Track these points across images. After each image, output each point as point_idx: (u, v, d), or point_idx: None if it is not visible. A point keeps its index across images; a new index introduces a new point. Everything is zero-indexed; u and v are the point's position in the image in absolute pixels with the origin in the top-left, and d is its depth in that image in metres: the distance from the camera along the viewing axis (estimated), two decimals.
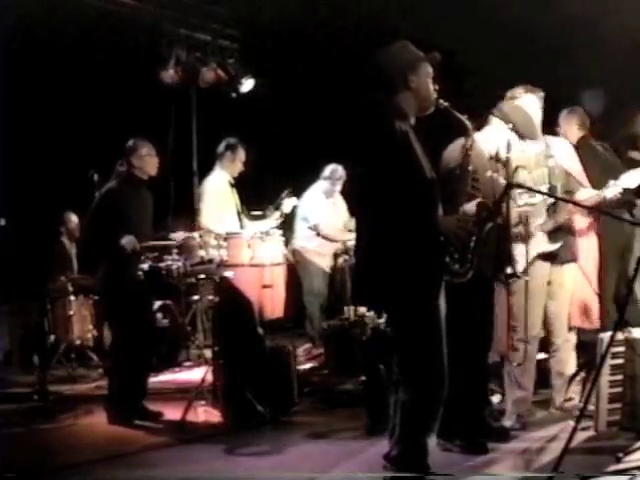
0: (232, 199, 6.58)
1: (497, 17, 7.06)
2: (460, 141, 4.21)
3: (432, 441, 3.64)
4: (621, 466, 3.84)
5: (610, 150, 5.81)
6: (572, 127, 5.84)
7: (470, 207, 3.86)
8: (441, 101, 3.72)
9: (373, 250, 3.50)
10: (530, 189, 4.56)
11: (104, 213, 5.50)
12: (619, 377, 4.42)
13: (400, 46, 3.70)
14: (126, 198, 5.53)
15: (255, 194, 7.19)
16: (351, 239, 6.72)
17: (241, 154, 6.71)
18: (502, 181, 4.30)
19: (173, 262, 6.97)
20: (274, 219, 6.62)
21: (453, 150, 4.23)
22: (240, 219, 6.48)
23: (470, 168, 3.87)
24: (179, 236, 5.69)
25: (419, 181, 3.52)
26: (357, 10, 7.63)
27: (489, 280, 4.37)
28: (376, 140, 3.49)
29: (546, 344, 5.07)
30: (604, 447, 4.17)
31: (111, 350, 5.78)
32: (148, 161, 5.64)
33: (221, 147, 6.73)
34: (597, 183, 5.36)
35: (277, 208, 6.75)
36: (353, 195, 3.91)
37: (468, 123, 3.90)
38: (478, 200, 3.91)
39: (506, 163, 4.34)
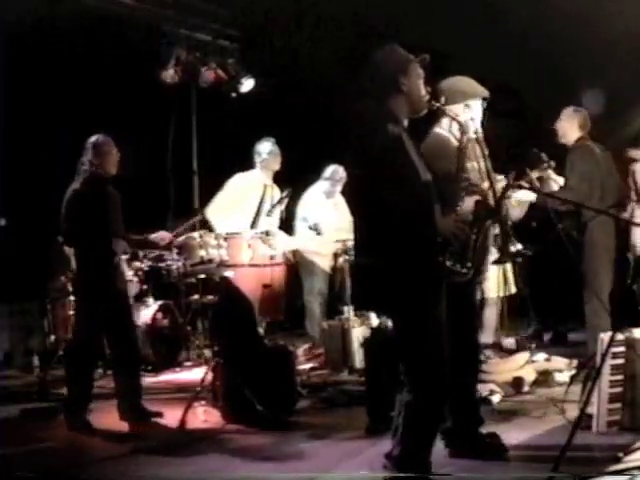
0: (255, 200, 6.62)
1: (488, 18, 7.09)
2: (435, 136, 4.20)
3: (433, 442, 3.64)
4: (621, 466, 3.83)
5: (608, 153, 5.84)
6: (573, 126, 5.88)
7: (467, 205, 3.83)
8: (433, 102, 3.71)
9: (372, 254, 3.48)
10: (530, 189, 4.55)
11: (72, 215, 5.33)
12: (619, 377, 4.43)
13: (389, 50, 3.66)
14: (92, 198, 5.30)
15: None
16: (351, 239, 6.71)
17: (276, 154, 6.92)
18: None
19: (173, 262, 6.97)
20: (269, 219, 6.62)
21: (431, 144, 4.17)
22: (255, 220, 6.50)
23: (466, 167, 3.85)
24: (159, 236, 5.68)
25: (415, 183, 3.51)
26: (355, 11, 7.64)
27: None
28: (369, 146, 3.47)
29: None
30: (604, 447, 4.15)
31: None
32: (110, 159, 5.42)
33: (261, 147, 6.85)
34: (595, 184, 5.43)
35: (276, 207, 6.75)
36: (351, 199, 3.90)
37: (462, 122, 3.88)
38: (476, 199, 3.89)
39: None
